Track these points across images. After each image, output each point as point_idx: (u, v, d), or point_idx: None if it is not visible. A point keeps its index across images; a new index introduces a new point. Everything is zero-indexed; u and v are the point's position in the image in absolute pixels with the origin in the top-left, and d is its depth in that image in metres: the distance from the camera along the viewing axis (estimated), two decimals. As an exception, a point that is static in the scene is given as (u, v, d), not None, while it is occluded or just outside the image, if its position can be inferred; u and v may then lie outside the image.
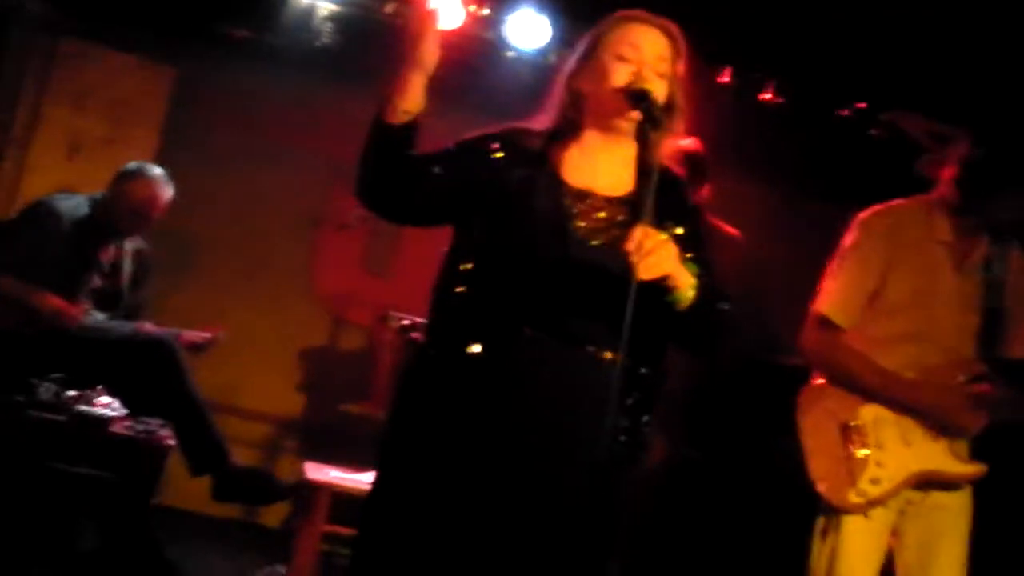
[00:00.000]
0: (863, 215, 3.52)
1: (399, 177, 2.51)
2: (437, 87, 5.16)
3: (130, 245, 5.12)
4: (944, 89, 4.95)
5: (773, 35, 5.10)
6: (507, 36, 5.62)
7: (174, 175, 5.14)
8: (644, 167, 2.52)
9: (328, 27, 5.74)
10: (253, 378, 5.95)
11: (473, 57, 5.66)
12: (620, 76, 2.54)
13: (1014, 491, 3.92)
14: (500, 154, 2.58)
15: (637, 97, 2.48)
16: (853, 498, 3.26)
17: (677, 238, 2.43)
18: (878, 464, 3.27)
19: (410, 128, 2.47)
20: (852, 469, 3.27)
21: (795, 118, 5.43)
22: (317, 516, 4.44)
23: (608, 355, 2.45)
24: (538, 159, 2.59)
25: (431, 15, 2.45)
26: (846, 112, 5.34)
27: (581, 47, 2.71)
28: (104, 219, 4.96)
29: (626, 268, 2.23)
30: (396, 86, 2.45)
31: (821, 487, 3.30)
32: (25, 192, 5.69)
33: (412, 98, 2.46)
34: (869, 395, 3.34)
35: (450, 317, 2.52)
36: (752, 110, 5.49)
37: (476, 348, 2.44)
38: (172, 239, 5.62)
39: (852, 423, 3.32)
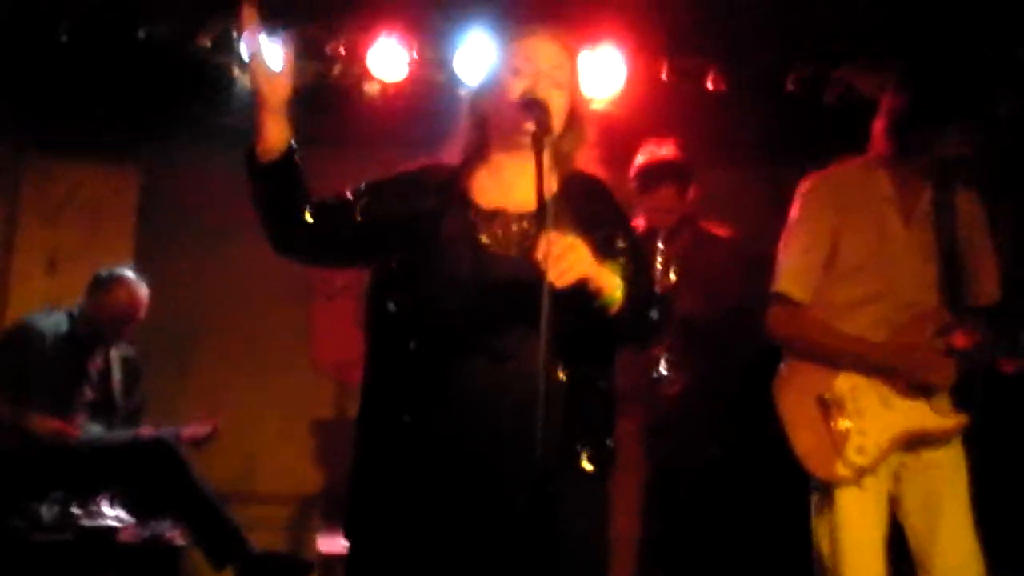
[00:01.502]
0: (802, 185, 3.48)
1: (290, 214, 2.59)
2: (403, 138, 5.20)
3: (116, 352, 5.14)
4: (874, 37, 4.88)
5: (701, 23, 5.07)
6: (457, 73, 5.60)
7: (155, 270, 5.18)
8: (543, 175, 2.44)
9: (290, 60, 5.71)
10: (266, 459, 5.89)
11: (428, 102, 5.65)
12: (515, 90, 2.53)
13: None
14: (415, 193, 2.59)
15: (529, 106, 2.47)
16: (841, 470, 3.23)
17: (599, 241, 2.42)
18: (861, 432, 3.24)
19: (281, 165, 2.54)
20: (836, 441, 3.24)
21: (744, 99, 5.36)
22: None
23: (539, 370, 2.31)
24: (448, 190, 2.60)
25: (256, 51, 2.48)
26: (792, 83, 5.26)
27: (482, 68, 2.75)
28: (86, 330, 4.98)
29: (539, 277, 2.17)
30: (255, 128, 2.53)
31: (809, 463, 3.27)
32: (9, 311, 5.71)
33: (270, 137, 2.53)
34: (840, 364, 3.30)
35: (379, 364, 2.54)
36: (698, 98, 5.42)
37: (406, 414, 2.44)
38: (161, 332, 5.56)
39: (828, 395, 3.28)
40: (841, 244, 3.36)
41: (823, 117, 5.41)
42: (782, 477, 4.69)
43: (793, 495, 4.49)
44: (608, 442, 2.56)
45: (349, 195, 2.65)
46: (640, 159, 4.52)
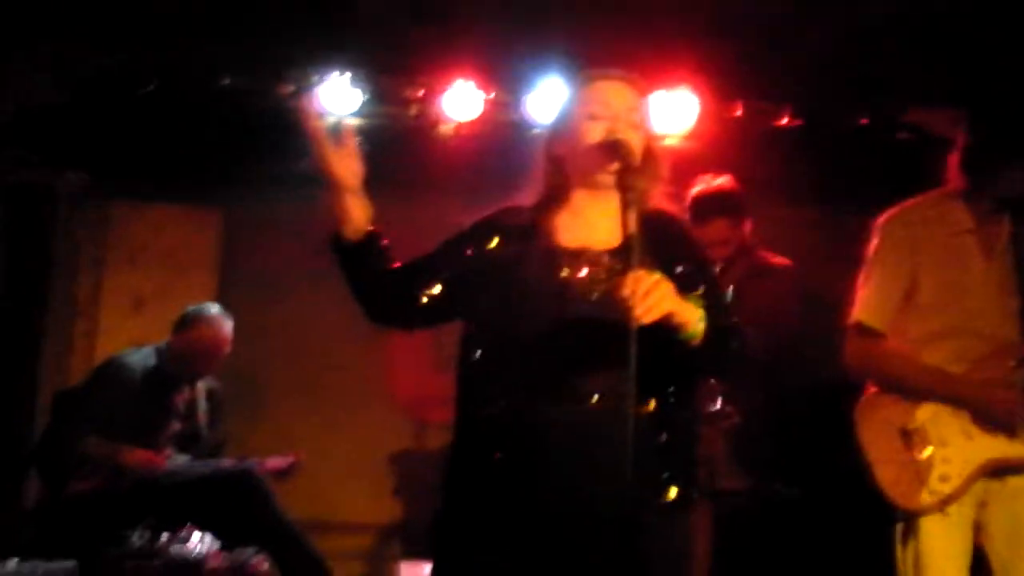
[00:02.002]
0: (881, 219, 3.51)
1: (383, 288, 2.68)
2: (476, 179, 5.28)
3: (202, 385, 5.25)
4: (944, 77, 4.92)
5: (778, 64, 5.14)
6: (530, 114, 5.72)
7: (235, 311, 5.30)
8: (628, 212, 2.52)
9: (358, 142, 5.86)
10: (345, 491, 5.95)
11: (501, 144, 5.78)
12: (594, 133, 2.62)
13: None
14: (495, 239, 2.68)
15: (612, 148, 2.55)
16: (926, 499, 3.22)
17: (678, 276, 2.49)
18: (944, 461, 3.24)
19: (367, 244, 2.63)
20: (919, 471, 3.24)
21: (817, 137, 5.42)
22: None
23: (628, 407, 2.40)
24: (529, 231, 2.67)
25: (320, 138, 2.60)
26: (865, 121, 5.32)
27: (555, 114, 2.82)
28: (173, 365, 5.11)
29: (625, 316, 2.24)
30: (333, 211, 2.61)
31: (892, 494, 3.26)
32: (97, 350, 5.87)
33: (353, 217, 2.63)
34: (921, 395, 3.31)
35: (470, 407, 2.60)
36: (772, 138, 5.50)
37: (497, 451, 2.51)
38: (240, 375, 5.71)
39: (911, 426, 3.29)
40: (920, 277, 3.38)
41: (889, 163, 5.47)
42: (853, 512, 4.72)
43: (866, 530, 4.52)
44: (693, 471, 2.63)
45: (433, 257, 2.74)
46: (694, 191, 4.52)
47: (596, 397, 2.49)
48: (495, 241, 2.67)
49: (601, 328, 2.41)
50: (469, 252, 2.68)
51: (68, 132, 5.64)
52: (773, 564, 4.55)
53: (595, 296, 2.54)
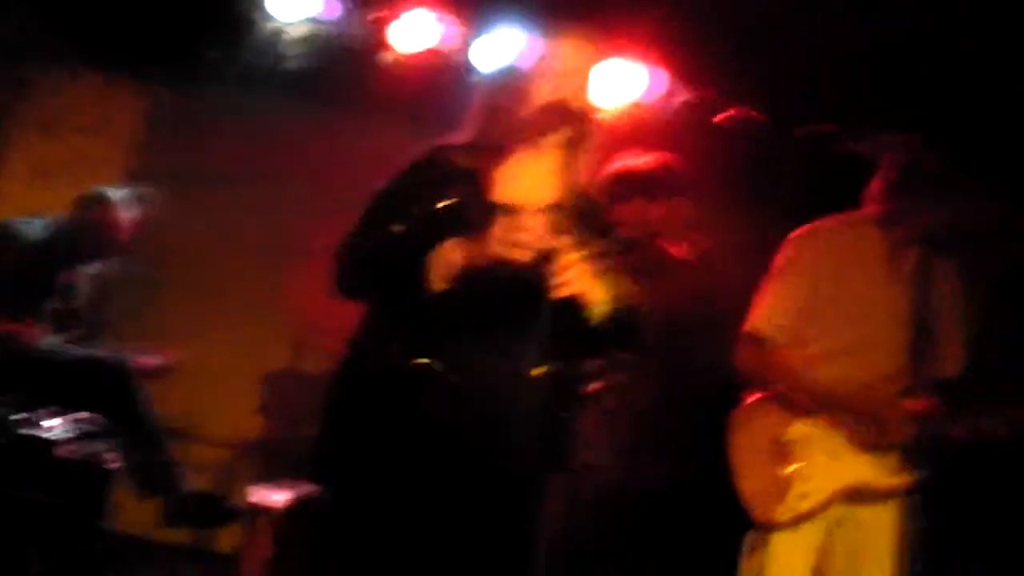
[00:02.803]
0: (794, 234, 3.53)
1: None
2: (413, 114, 5.17)
3: (90, 269, 5.11)
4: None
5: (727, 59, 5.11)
6: (479, 56, 5.62)
7: (145, 200, 5.18)
8: (569, 183, 2.57)
9: (297, 50, 5.76)
10: (217, 403, 5.86)
11: (444, 80, 5.68)
12: (542, 92, 2.59)
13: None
14: (437, 183, 2.62)
15: (566, 112, 2.55)
16: (782, 513, 3.25)
17: (597, 247, 2.53)
18: (806, 478, 3.27)
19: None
20: (780, 485, 3.27)
21: (764, 139, 5.41)
22: (259, 540, 4.42)
23: (531, 368, 2.51)
24: (469, 178, 2.63)
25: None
26: (801, 130, 5.31)
27: (500, 62, 2.84)
28: (66, 243, 4.97)
29: (543, 285, 2.33)
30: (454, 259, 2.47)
31: (751, 503, 3.30)
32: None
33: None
34: (799, 409, 3.33)
35: (383, 331, 2.58)
36: (713, 129, 5.46)
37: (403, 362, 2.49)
38: (139, 264, 5.55)
39: (782, 439, 3.31)
40: (821, 295, 3.40)
41: (824, 175, 5.47)
42: (709, 516, 4.76)
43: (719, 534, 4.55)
44: (569, 439, 2.70)
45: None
46: (616, 166, 4.44)
47: (505, 354, 2.51)
48: (436, 186, 2.62)
49: (521, 290, 2.43)
50: (415, 201, 2.62)
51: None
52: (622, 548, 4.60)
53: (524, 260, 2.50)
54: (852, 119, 5.36)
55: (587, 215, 2.61)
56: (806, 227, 3.53)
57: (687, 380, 4.48)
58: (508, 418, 2.37)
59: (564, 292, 2.37)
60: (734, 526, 3.50)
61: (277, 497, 4.51)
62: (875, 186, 3.49)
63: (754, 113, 5.46)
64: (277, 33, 5.69)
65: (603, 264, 2.57)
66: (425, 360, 2.50)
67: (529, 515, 2.53)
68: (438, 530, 2.49)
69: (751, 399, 3.47)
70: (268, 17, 5.60)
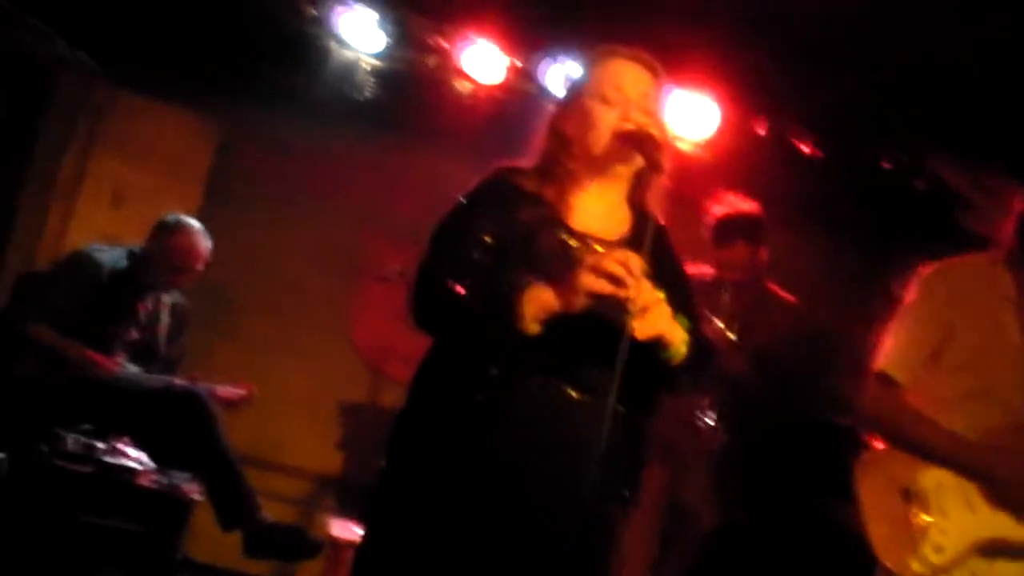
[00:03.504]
0: (923, 271, 3.40)
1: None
2: (481, 145, 5.19)
3: (168, 298, 5.12)
4: (989, 137, 4.87)
5: (807, 87, 5.07)
6: (548, 88, 5.62)
7: (216, 228, 5.19)
8: (642, 213, 2.50)
9: (370, 81, 5.80)
10: (292, 434, 5.87)
11: (513, 110, 5.70)
12: (606, 120, 2.53)
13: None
14: (507, 205, 2.54)
15: (638, 142, 2.48)
16: (915, 566, 3.12)
17: (670, 285, 2.46)
18: (941, 531, 3.15)
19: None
20: (914, 536, 3.15)
21: (837, 171, 5.37)
22: (341, 574, 4.41)
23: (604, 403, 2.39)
24: (540, 202, 2.56)
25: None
26: (887, 164, 5.26)
27: (565, 88, 2.75)
28: (142, 271, 4.98)
29: (623, 322, 2.25)
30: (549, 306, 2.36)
31: (882, 554, 3.17)
32: (69, 243, 5.64)
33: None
34: (931, 458, 3.21)
35: (455, 362, 2.49)
36: (793, 164, 5.43)
37: (478, 396, 2.41)
38: (212, 293, 5.61)
39: (914, 488, 3.19)
40: (952, 336, 3.28)
41: (901, 207, 5.42)
42: (810, 547, 4.71)
43: (821, 565, 4.49)
44: (639, 477, 2.61)
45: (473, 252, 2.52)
46: (719, 210, 4.49)
47: (584, 388, 2.45)
48: (506, 210, 2.53)
49: (599, 325, 2.36)
50: (486, 226, 2.51)
51: (86, 10, 5.48)
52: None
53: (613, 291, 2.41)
54: (925, 149, 5.35)
55: (661, 253, 2.55)
56: (936, 264, 3.40)
57: (790, 420, 4.49)
58: (586, 456, 2.26)
59: (643, 334, 2.29)
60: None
61: (357, 531, 4.51)
62: (1007, 226, 3.36)
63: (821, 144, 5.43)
64: (350, 63, 5.74)
65: (678, 297, 2.51)
66: (502, 398, 2.43)
67: (600, 551, 2.50)
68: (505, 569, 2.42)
69: (876, 445, 3.37)
70: (342, 47, 5.65)
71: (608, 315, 2.32)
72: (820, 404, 4.65)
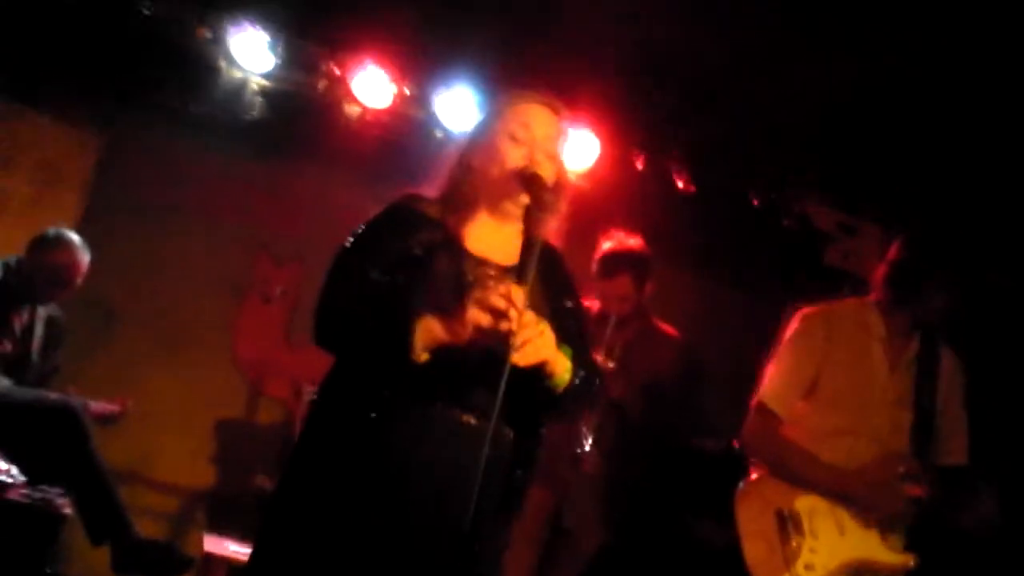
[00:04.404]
0: (803, 311, 3.66)
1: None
2: (369, 169, 5.22)
3: (43, 311, 5.02)
4: (855, 179, 5.08)
5: (683, 123, 5.22)
6: (436, 115, 5.70)
7: (97, 240, 5.11)
8: (529, 242, 2.53)
9: (259, 101, 5.79)
10: (167, 448, 5.78)
11: (402, 136, 5.76)
12: (512, 158, 2.64)
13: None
14: (408, 230, 2.62)
15: (527, 181, 2.59)
16: None
17: (565, 310, 2.65)
18: (812, 551, 3.36)
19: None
20: (787, 556, 3.35)
21: (710, 207, 5.55)
22: (212, 590, 4.40)
23: (500, 430, 2.54)
24: (438, 227, 2.65)
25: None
26: (756, 201, 5.45)
27: (475, 123, 2.84)
28: (19, 284, 4.87)
29: (503, 351, 2.31)
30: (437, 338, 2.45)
31: (756, 573, 3.37)
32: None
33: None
34: (804, 484, 3.43)
35: (353, 380, 2.56)
36: (669, 198, 5.59)
37: (371, 411, 2.50)
38: (92, 306, 5.55)
39: (788, 512, 3.40)
40: (827, 372, 3.53)
41: (771, 244, 5.63)
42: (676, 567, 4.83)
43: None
44: (521, 500, 2.69)
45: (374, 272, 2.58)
46: (606, 245, 4.60)
47: (469, 415, 2.54)
48: (405, 231, 2.62)
49: (485, 354, 2.43)
50: (388, 248, 2.60)
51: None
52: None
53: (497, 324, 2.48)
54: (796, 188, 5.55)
55: (550, 277, 2.67)
56: (817, 306, 3.66)
57: (668, 448, 4.65)
58: (468, 478, 2.31)
59: (524, 361, 2.37)
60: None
61: (234, 548, 4.49)
62: (879, 273, 3.63)
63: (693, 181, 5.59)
64: (240, 83, 5.73)
65: (572, 323, 2.65)
66: (394, 419, 2.51)
67: (483, 570, 2.56)
68: None
69: (755, 474, 3.56)
70: (231, 66, 5.64)
71: (492, 345, 2.38)
72: (695, 430, 4.83)
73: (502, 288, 2.39)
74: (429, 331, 2.44)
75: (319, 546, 2.47)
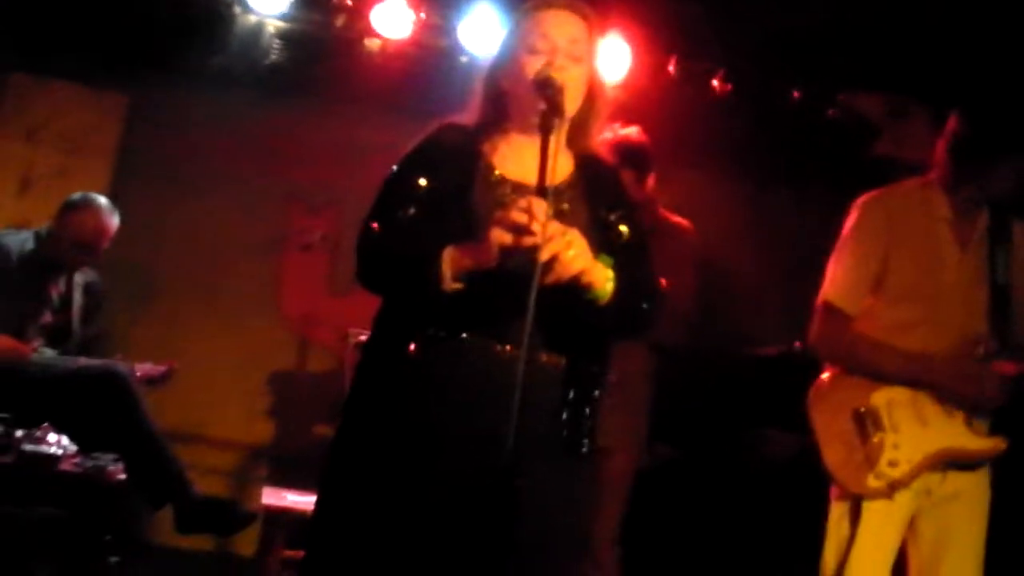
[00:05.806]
0: (861, 199, 3.42)
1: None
2: (396, 104, 5.06)
3: (80, 278, 4.90)
4: (900, 64, 4.84)
5: (717, 24, 5.00)
6: (460, 41, 5.50)
7: (129, 204, 5.01)
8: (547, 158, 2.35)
9: (277, 44, 5.64)
10: (221, 406, 5.72)
11: (428, 66, 5.57)
12: (531, 68, 2.47)
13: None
14: (442, 164, 2.52)
15: (542, 86, 2.41)
16: (873, 482, 3.17)
17: (609, 223, 2.50)
18: (895, 446, 3.18)
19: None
20: (869, 454, 3.19)
21: (746, 105, 5.32)
22: (276, 542, 4.32)
23: (542, 357, 2.43)
24: (472, 156, 2.54)
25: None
26: (798, 95, 5.22)
27: (496, 45, 2.66)
28: (51, 252, 4.76)
29: (530, 271, 2.16)
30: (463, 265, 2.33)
31: (839, 475, 3.22)
32: (-23, 231, 5.51)
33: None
34: (885, 379, 3.24)
35: (394, 317, 2.49)
36: (703, 100, 5.37)
37: (411, 348, 2.41)
38: (130, 270, 5.46)
39: (863, 409, 3.22)
40: (893, 261, 3.31)
41: (817, 139, 5.41)
42: (737, 476, 4.69)
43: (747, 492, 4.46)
44: (594, 427, 2.53)
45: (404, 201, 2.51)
46: (604, 138, 4.37)
47: (504, 344, 2.41)
48: (440, 164, 2.53)
49: (515, 277, 2.27)
50: (422, 182, 2.51)
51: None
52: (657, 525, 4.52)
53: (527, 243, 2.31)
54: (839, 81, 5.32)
55: (594, 189, 2.55)
56: (872, 192, 3.42)
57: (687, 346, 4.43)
58: (503, 411, 2.14)
59: (554, 278, 2.24)
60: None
61: (292, 499, 4.41)
62: (939, 150, 3.37)
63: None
64: (255, 29, 5.57)
65: (618, 234, 2.52)
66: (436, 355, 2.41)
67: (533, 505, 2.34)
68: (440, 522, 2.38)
69: (826, 374, 3.37)
70: (245, 11, 5.48)
71: (521, 266, 2.22)
72: (727, 332, 4.62)
73: (522, 202, 2.24)
74: (455, 259, 2.32)
75: (374, 492, 2.40)
